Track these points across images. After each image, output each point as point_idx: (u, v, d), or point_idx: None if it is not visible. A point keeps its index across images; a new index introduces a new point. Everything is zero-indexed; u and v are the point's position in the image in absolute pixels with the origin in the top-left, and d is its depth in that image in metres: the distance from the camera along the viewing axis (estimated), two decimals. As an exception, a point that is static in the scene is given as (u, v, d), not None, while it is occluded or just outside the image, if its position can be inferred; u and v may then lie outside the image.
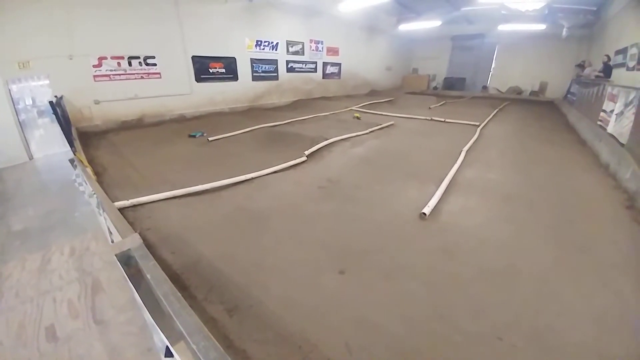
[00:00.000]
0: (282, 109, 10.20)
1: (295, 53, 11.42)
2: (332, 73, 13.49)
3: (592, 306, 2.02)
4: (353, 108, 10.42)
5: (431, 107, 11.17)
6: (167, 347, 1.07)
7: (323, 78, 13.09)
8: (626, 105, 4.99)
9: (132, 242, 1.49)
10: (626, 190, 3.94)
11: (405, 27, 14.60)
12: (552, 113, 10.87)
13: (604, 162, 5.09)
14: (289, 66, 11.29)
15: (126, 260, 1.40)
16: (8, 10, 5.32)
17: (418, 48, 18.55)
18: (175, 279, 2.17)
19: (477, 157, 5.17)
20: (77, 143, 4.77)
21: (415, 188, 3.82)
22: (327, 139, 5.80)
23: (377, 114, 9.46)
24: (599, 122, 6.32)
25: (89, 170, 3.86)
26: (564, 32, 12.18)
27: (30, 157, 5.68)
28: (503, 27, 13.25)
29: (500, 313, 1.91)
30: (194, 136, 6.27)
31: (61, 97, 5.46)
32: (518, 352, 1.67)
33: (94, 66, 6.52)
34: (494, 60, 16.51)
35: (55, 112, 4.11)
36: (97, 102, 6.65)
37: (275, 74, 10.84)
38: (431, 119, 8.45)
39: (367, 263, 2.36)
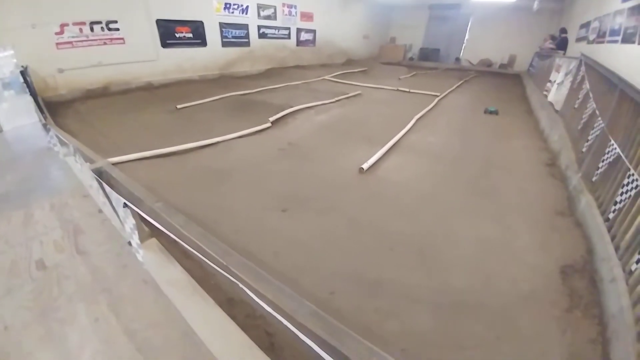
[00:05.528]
0: (255, 78, 10.19)
1: (267, 17, 11.13)
2: (306, 40, 13.28)
3: (478, 234, 2.54)
4: (326, 77, 10.58)
5: (400, 77, 11.49)
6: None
7: (297, 45, 12.89)
8: (566, 74, 5.43)
9: (104, 163, 1.91)
10: (552, 151, 4.46)
11: (383, -8, 14.35)
12: (514, 85, 11.50)
13: (542, 128, 5.69)
14: (261, 32, 11.04)
15: (99, 174, 1.83)
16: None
17: (396, 16, 18.26)
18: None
19: (426, 123, 5.72)
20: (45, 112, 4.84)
21: (365, 149, 4.32)
22: (293, 107, 6.12)
23: (348, 83, 9.73)
24: (544, 92, 6.92)
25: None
26: (535, 5, 12.39)
27: (0, 130, 5.66)
28: (478, -2, 13.32)
29: (397, 236, 2.50)
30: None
31: (26, 67, 5.37)
32: (401, 257, 2.27)
33: (57, 33, 6.32)
34: (467, 32, 16.67)
35: (25, 81, 4.15)
36: (60, 71, 6.49)
37: (247, 40, 10.61)
38: (397, 89, 8.84)
39: (307, 205, 2.90)
